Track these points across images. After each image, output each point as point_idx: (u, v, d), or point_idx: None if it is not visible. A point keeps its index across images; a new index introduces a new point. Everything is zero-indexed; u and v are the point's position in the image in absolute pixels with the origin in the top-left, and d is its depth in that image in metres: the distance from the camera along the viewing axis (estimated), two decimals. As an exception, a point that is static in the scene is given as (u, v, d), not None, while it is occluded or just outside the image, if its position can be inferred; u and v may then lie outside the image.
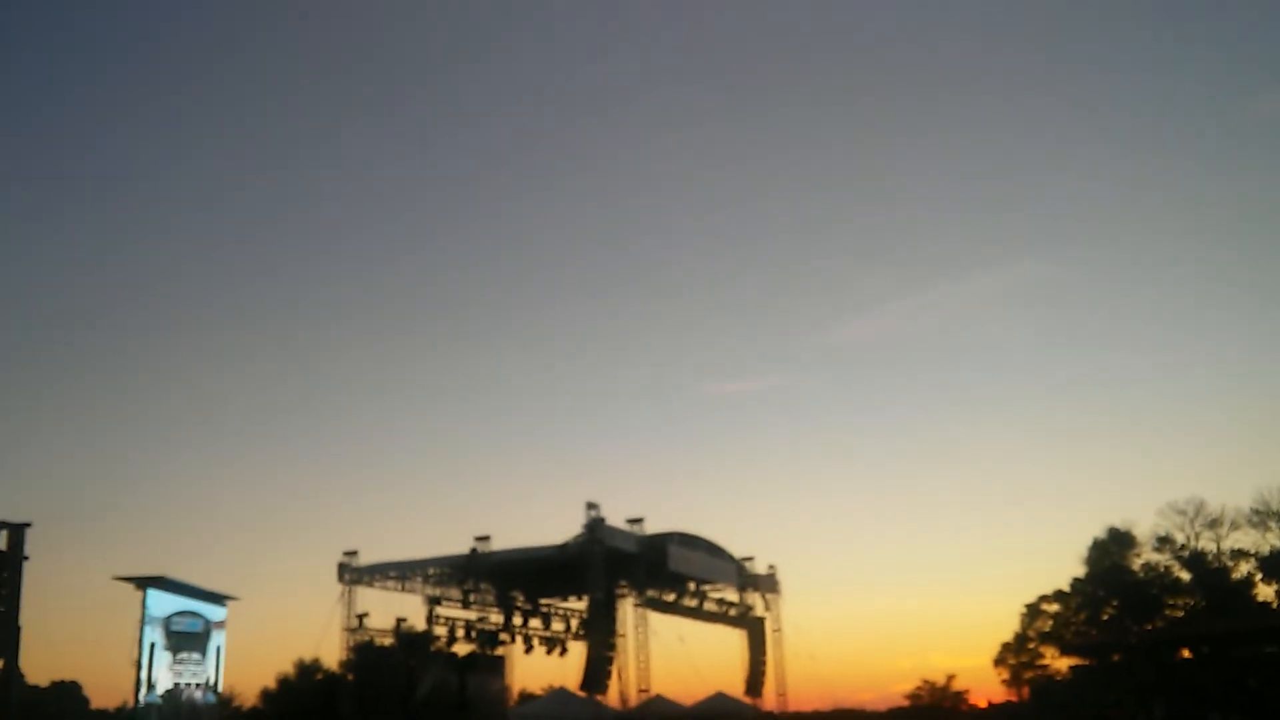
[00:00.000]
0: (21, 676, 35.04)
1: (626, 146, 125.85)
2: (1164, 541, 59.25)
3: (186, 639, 37.24)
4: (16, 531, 24.43)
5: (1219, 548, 58.39)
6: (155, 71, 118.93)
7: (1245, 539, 57.77)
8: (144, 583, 34.95)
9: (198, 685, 38.05)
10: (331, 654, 51.12)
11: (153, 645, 34.87)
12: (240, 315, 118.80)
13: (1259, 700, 42.22)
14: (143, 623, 34.54)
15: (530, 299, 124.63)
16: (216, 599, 39.73)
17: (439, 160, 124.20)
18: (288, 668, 57.88)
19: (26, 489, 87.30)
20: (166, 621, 36.02)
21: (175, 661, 36.45)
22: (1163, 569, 59.52)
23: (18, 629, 24.31)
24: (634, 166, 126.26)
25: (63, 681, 57.51)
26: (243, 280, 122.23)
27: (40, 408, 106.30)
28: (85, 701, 55.74)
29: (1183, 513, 58.74)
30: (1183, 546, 58.89)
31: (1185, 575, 58.80)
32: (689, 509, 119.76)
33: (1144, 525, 60.63)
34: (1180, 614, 58.40)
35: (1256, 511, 57.02)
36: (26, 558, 24.55)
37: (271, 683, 58.26)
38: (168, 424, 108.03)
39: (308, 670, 56.62)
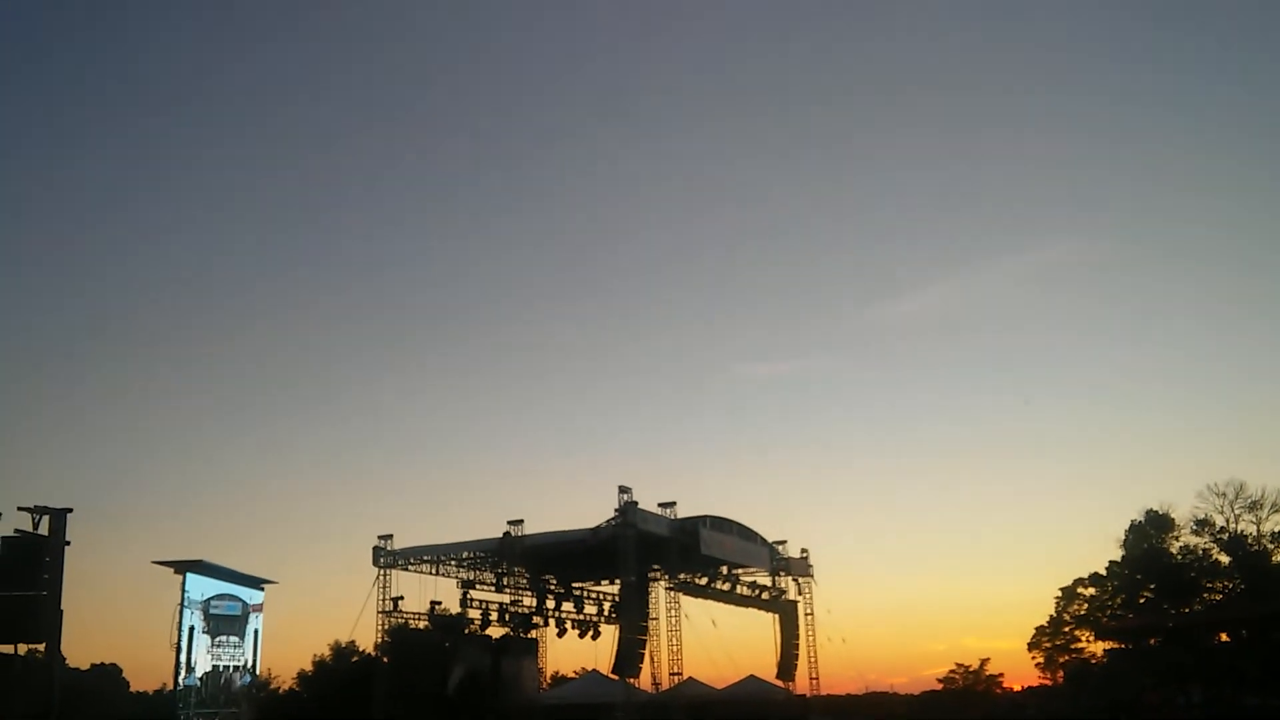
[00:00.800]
0: (63, 660, 35.57)
1: (661, 130, 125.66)
2: (1203, 524, 58.52)
3: (225, 622, 37.65)
4: (58, 517, 24.65)
5: (1259, 530, 57.62)
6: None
7: (1285, 522, 56.97)
8: (183, 567, 35.33)
9: (236, 668, 38.47)
10: (367, 637, 51.67)
11: (192, 629, 35.27)
12: (277, 305, 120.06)
13: (1299, 684, 41.75)
14: (182, 606, 34.92)
15: (563, 285, 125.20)
16: (254, 583, 40.11)
17: (470, 141, 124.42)
18: (324, 650, 58.43)
19: (68, 475, 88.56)
20: (205, 605, 36.43)
21: (214, 644, 36.86)
22: (1201, 552, 58.81)
23: (59, 613, 24.56)
24: (666, 150, 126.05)
25: (103, 665, 58.37)
26: (280, 270, 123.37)
27: (82, 395, 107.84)
28: (125, 684, 56.56)
29: (1222, 495, 58.00)
30: (1222, 529, 58.15)
31: (1224, 558, 58.09)
32: (721, 492, 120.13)
33: (1183, 508, 59.91)
34: (1218, 597, 57.73)
35: (1297, 494, 56.23)
36: (68, 543, 24.77)
37: (308, 665, 58.84)
38: (207, 411, 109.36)
39: (343, 653, 57.12)
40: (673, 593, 52.35)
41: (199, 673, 35.73)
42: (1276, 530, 57.24)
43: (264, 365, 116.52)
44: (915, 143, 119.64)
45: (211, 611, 36.76)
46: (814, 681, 58.13)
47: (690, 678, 52.41)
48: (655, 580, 52.90)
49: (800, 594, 58.56)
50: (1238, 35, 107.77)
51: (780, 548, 56.50)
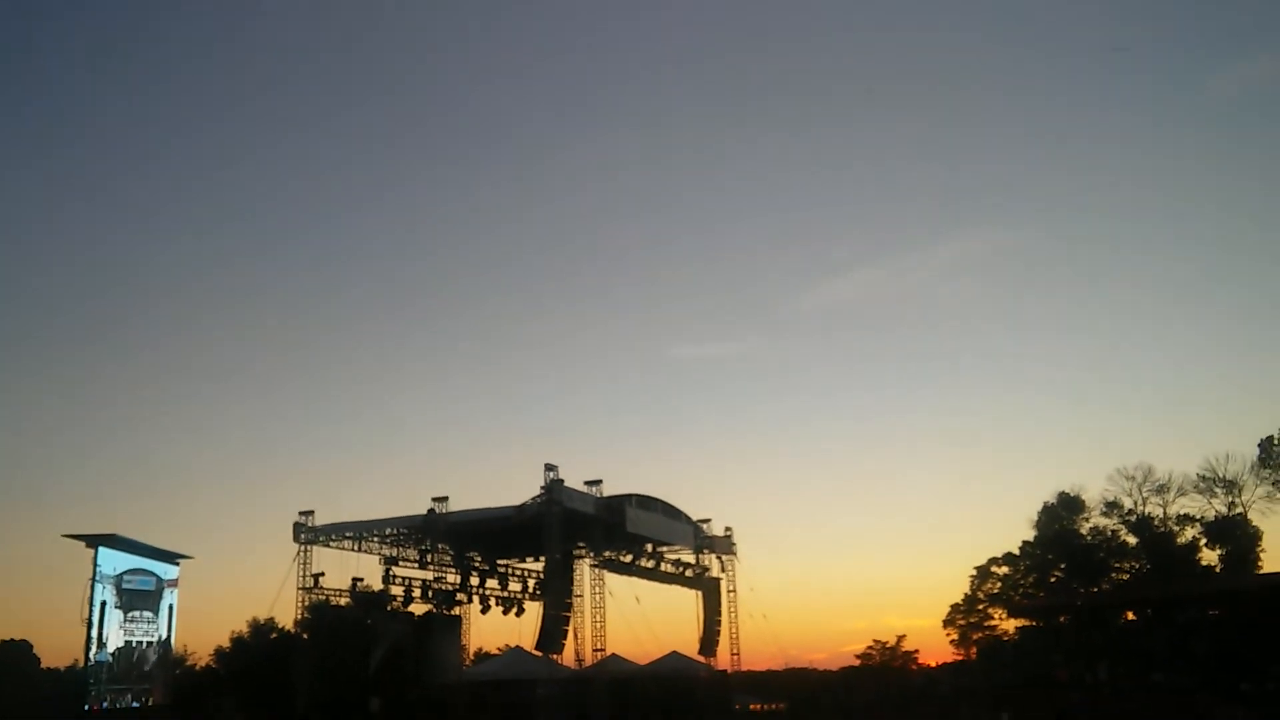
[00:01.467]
0: (-32, 635, 34.60)
1: (600, 122, 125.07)
2: (1112, 506, 60.20)
3: (138, 597, 36.89)
4: (-37, 489, 23.81)
5: (1165, 513, 59.41)
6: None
7: (1191, 505, 58.81)
8: (95, 541, 34.48)
9: (149, 644, 37.70)
10: (287, 614, 50.97)
11: (104, 604, 34.48)
12: (197, 276, 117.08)
13: (1201, 663, 43.18)
14: (94, 581, 34.11)
15: (493, 264, 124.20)
16: (169, 558, 39.33)
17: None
18: (242, 627, 57.46)
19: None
20: (118, 580, 35.61)
21: (127, 620, 36.10)
22: (1110, 533, 60.48)
23: (-35, 587, 23.79)
24: (599, 135, 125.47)
25: (13, 640, 56.61)
26: (197, 240, 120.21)
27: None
28: (36, 660, 54.85)
29: (1131, 478, 59.71)
30: (1130, 511, 59.86)
31: (1132, 539, 59.80)
32: (647, 471, 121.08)
33: (1093, 490, 61.59)
34: (1126, 577, 59.49)
35: (1203, 478, 58.01)
36: (-27, 515, 23.96)
37: (225, 642, 57.83)
38: (119, 381, 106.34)
39: (262, 630, 56.22)
40: (597, 570, 52.52)
41: (111, 649, 34.97)
42: (1182, 513, 59.15)
43: (180, 337, 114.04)
44: (843, 130, 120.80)
45: (124, 586, 35.98)
46: (735, 657, 58.88)
47: (613, 654, 52.69)
48: (580, 558, 53.00)
49: (723, 571, 59.17)
50: (1148, 26, 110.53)
51: (704, 526, 56.95)
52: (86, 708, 33.80)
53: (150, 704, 37.88)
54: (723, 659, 58.48)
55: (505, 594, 54.18)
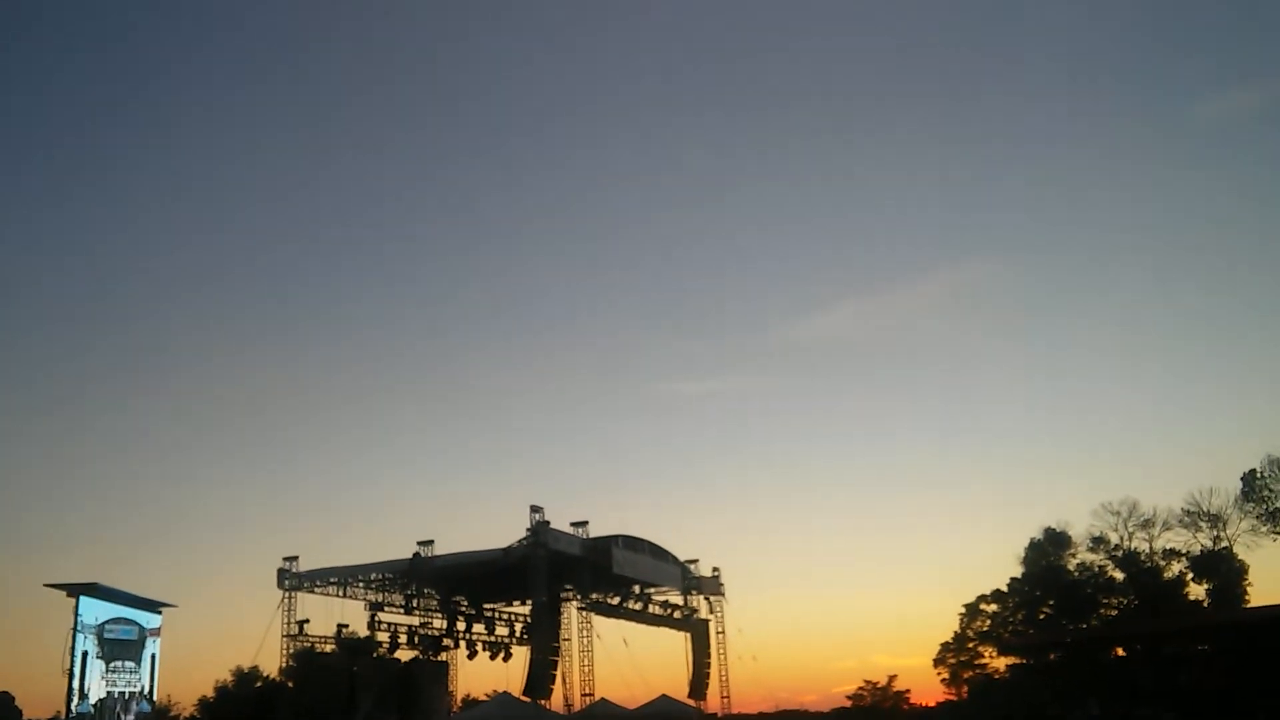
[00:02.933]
0: (-52, 688, 34.23)
1: (586, 151, 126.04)
2: (1098, 542, 60.26)
3: (120, 647, 36.53)
4: (-58, 539, 23.75)
5: (1151, 548, 59.52)
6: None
7: (1177, 539, 58.95)
8: (76, 590, 34.21)
9: (132, 694, 37.31)
10: (271, 661, 50.57)
11: (85, 654, 34.14)
12: (181, 321, 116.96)
13: (1189, 697, 43.15)
14: (75, 631, 33.80)
15: (477, 303, 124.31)
16: (151, 606, 39.01)
17: (390, 163, 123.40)
18: (226, 676, 56.75)
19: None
20: (100, 629, 35.29)
21: (109, 670, 35.72)
22: (1097, 569, 60.50)
23: (-56, 639, 23.64)
24: (589, 171, 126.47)
25: (-7, 692, 55.97)
26: (179, 289, 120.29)
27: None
28: (18, 712, 54.23)
29: (1116, 513, 59.82)
30: (1116, 547, 59.94)
31: (1119, 575, 59.84)
32: (634, 512, 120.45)
33: (1079, 526, 61.65)
34: (1114, 613, 59.41)
35: (1188, 512, 58.21)
36: (-47, 566, 23.89)
37: (209, 691, 57.08)
38: (104, 431, 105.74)
39: (246, 678, 55.55)
40: (585, 612, 52.35)
41: (93, 699, 34.56)
42: (1168, 547, 59.27)
43: (163, 385, 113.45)
44: (829, 163, 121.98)
45: (106, 636, 35.63)
46: (725, 700, 58.58)
47: (602, 698, 52.35)
48: (567, 600, 52.79)
49: (712, 613, 59.02)
50: (1153, 54, 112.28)
51: (692, 566, 56.84)
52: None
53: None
54: (713, 702, 58.26)
55: (492, 638, 53.91)
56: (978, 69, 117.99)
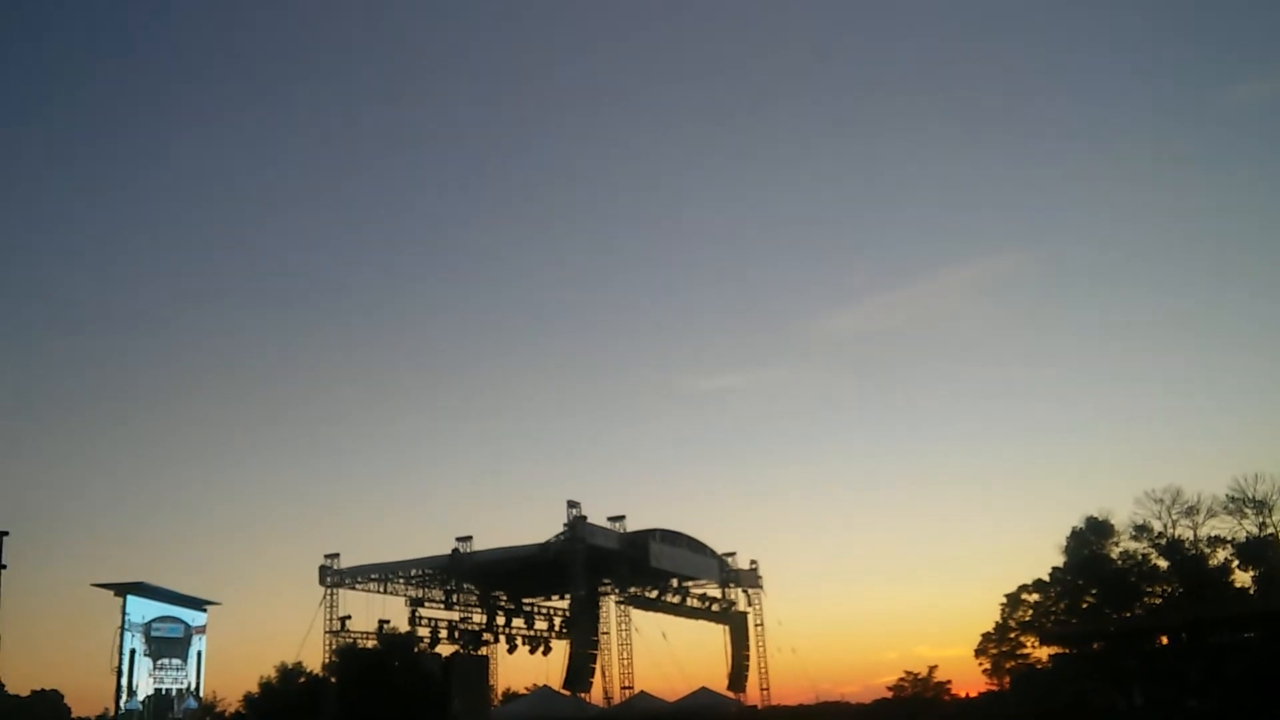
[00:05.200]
0: (1, 686, 34.84)
1: (612, 145, 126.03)
2: (1141, 530, 59.66)
3: (167, 645, 37.12)
4: (-7, 540, 24.28)
5: (1196, 535, 58.87)
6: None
7: (1222, 526, 58.29)
8: (123, 589, 34.78)
9: (179, 691, 37.89)
10: (314, 657, 51.05)
11: (133, 652, 34.72)
12: (220, 323, 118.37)
13: (1236, 686, 42.61)
14: (122, 629, 34.37)
15: (510, 300, 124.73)
16: (197, 604, 39.59)
17: (421, 163, 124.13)
18: (270, 671, 57.46)
19: (4, 497, 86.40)
20: (147, 627, 35.86)
21: (156, 667, 36.31)
22: (1140, 557, 59.91)
23: (-3, 638, 24.15)
24: (617, 165, 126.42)
25: (43, 690, 57.03)
26: (221, 287, 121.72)
27: (19, 415, 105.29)
28: (66, 710, 55.27)
29: (1160, 501, 59.20)
30: (1160, 535, 59.31)
31: (1163, 563, 59.22)
32: (671, 505, 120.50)
33: (1121, 514, 61.06)
34: (1158, 601, 58.82)
35: (1232, 499, 57.53)
36: (4, 566, 24.40)
37: (254, 687, 57.83)
38: (147, 431, 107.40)
39: (290, 674, 56.19)
40: (623, 606, 52.43)
41: (141, 696, 35.15)
42: (1213, 535, 58.57)
43: (205, 386, 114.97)
44: (859, 155, 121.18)
45: (153, 634, 36.22)
46: (765, 692, 58.50)
47: (642, 691, 52.45)
48: (605, 594, 52.91)
49: (750, 605, 58.92)
50: (1180, 41, 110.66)
51: (730, 560, 56.76)
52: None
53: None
54: (752, 694, 58.19)
55: (531, 633, 54.14)
56: (1007, 61, 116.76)
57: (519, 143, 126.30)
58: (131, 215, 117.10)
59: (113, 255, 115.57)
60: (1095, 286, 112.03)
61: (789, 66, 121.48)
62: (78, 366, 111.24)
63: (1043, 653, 64.09)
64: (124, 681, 34.19)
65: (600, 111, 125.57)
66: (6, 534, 24.66)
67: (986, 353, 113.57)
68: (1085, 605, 61.70)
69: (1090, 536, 61.38)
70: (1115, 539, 61.00)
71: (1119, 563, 60.17)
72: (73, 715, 57.18)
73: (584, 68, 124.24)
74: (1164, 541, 59.17)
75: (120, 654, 34.16)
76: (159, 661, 36.47)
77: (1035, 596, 66.99)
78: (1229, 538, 57.99)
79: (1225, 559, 58.05)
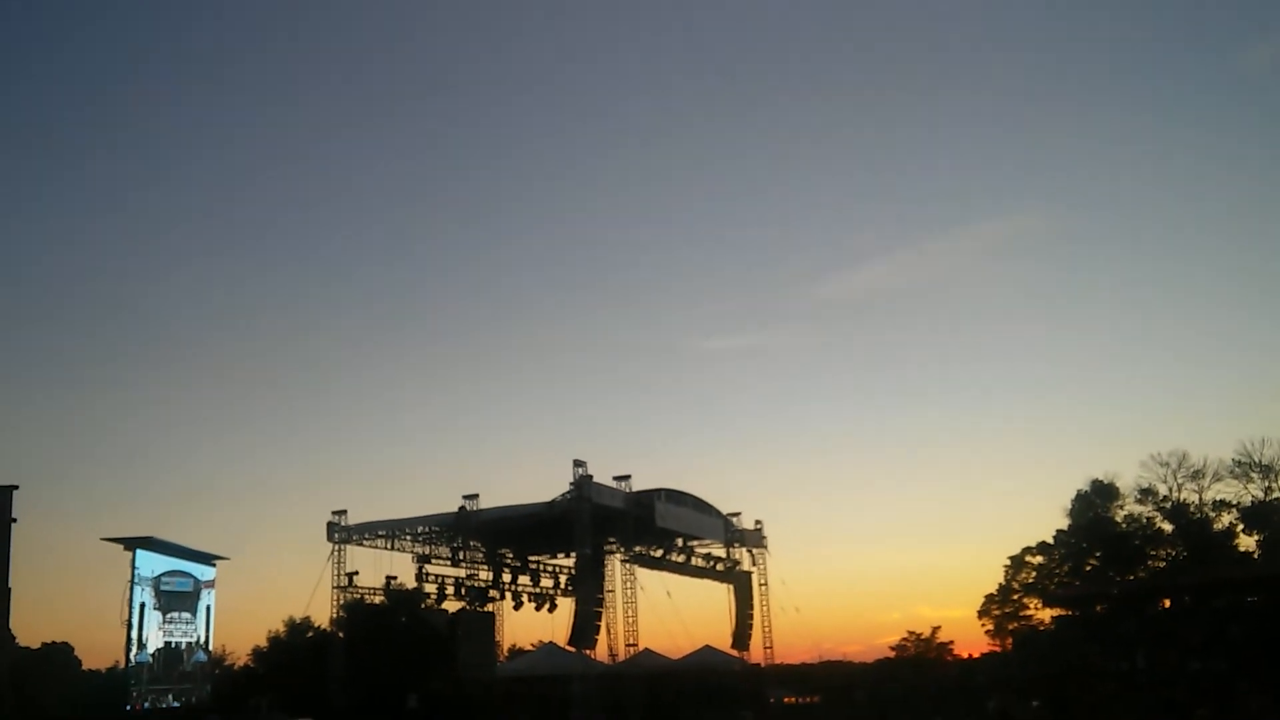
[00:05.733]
0: (12, 638, 35.12)
1: (616, 102, 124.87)
2: (1146, 493, 59.72)
3: (176, 598, 37.41)
4: (4, 494, 24.47)
5: (1201, 499, 58.92)
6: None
7: (1227, 490, 58.29)
8: (133, 543, 34.99)
9: (188, 644, 38.24)
10: (322, 612, 51.62)
11: (143, 605, 35.00)
12: (229, 282, 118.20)
13: (1239, 649, 42.81)
14: (132, 583, 34.62)
15: (519, 260, 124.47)
16: (206, 559, 39.85)
17: (426, 129, 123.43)
18: (278, 626, 58.11)
19: (13, 451, 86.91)
20: (156, 581, 36.13)
21: (165, 621, 36.62)
22: (1145, 520, 60.03)
23: (8, 591, 24.36)
24: (621, 125, 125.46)
25: (53, 643, 57.57)
26: (231, 248, 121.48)
27: (28, 370, 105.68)
28: (77, 662, 55.81)
29: (1165, 464, 59.19)
30: (1165, 498, 59.37)
31: (1167, 526, 59.34)
32: (676, 465, 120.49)
33: (1127, 477, 61.11)
34: (1162, 565, 59.01)
35: (1239, 463, 57.47)
36: (15, 520, 24.58)
37: (262, 641, 58.51)
38: (156, 385, 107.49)
39: (298, 628, 56.86)
40: (628, 565, 52.63)
41: (151, 649, 35.48)
42: (1218, 499, 58.62)
43: (215, 342, 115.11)
44: (867, 112, 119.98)
45: (162, 588, 36.49)
46: (768, 651, 58.98)
47: (646, 648, 52.87)
48: (611, 553, 53.21)
49: (754, 565, 59.25)
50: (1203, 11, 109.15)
51: (735, 519, 56.98)
52: (129, 708, 34.33)
53: (191, 703, 38.41)
54: (756, 653, 58.68)
55: (537, 590, 54.49)
56: (1019, 18, 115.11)
57: (523, 101, 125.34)
58: (145, 189, 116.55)
59: (131, 214, 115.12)
60: (1105, 248, 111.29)
61: (797, 21, 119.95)
62: (89, 322, 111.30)
63: (1045, 615, 64.44)
64: (134, 635, 34.48)
65: (600, 67, 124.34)
66: (17, 488, 24.80)
67: (994, 315, 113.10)
68: (1089, 568, 61.94)
69: (1095, 499, 61.49)
70: (1120, 502, 61.13)
71: (1123, 526, 60.31)
72: (83, 667, 57.84)
73: (589, 28, 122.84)
74: (1169, 505, 59.27)
75: (130, 607, 34.44)
76: (168, 615, 36.77)
77: (1039, 559, 67.27)
78: (1234, 502, 58.11)
79: (1230, 523, 58.20)
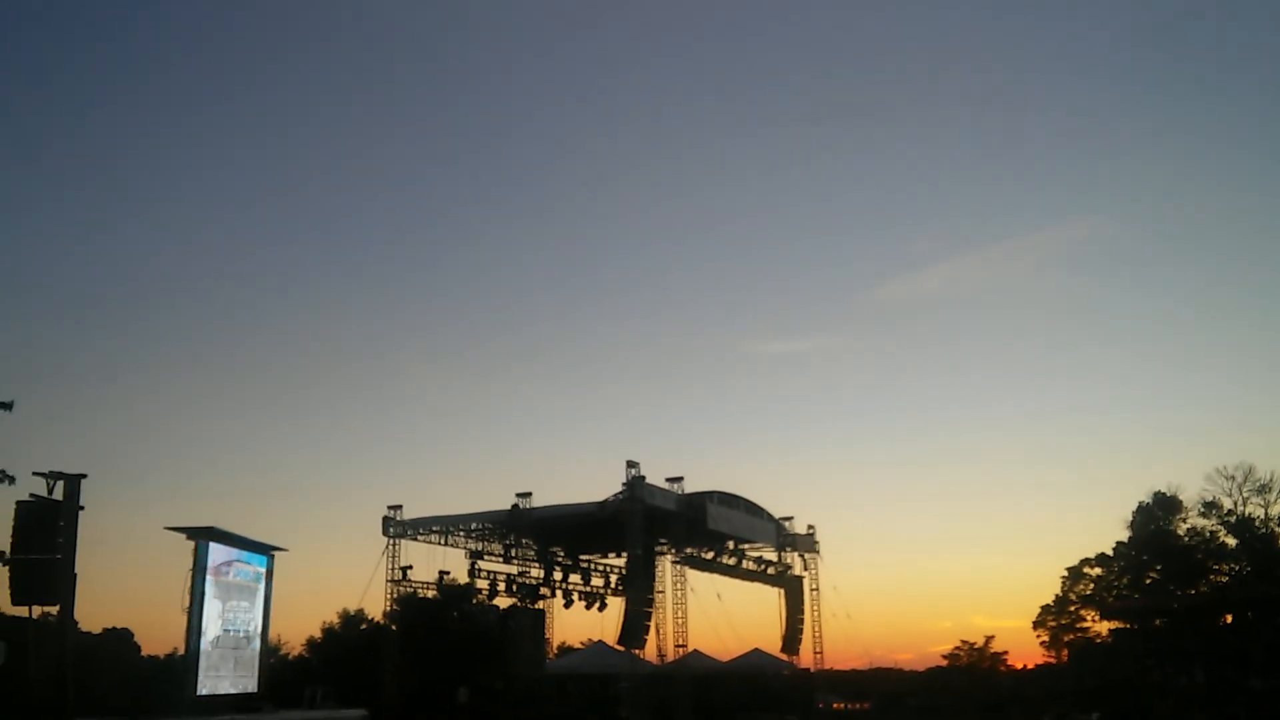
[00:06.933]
0: (75, 624, 35.98)
1: (670, 107, 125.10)
2: (1210, 507, 58.54)
3: (235, 588, 38.06)
4: (72, 482, 25.04)
5: (1267, 513, 57.61)
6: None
7: (1294, 504, 56.98)
8: (196, 533, 35.66)
9: (245, 633, 38.92)
10: (376, 605, 52.24)
11: (203, 594, 35.65)
12: (294, 276, 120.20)
13: (1302, 667, 41.87)
14: (194, 572, 35.29)
15: (574, 260, 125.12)
16: (265, 550, 40.49)
17: (492, 106, 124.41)
18: (333, 618, 59.04)
19: (83, 441, 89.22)
20: (216, 571, 36.78)
21: (225, 610, 37.26)
22: (1208, 534, 58.91)
23: (73, 577, 24.97)
24: (675, 127, 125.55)
25: (114, 628, 58.96)
26: (297, 244, 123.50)
27: (98, 362, 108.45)
28: (136, 648, 57.09)
29: (1230, 478, 57.95)
30: (1230, 512, 58.16)
31: (1231, 541, 58.14)
32: (729, 468, 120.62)
33: (1191, 490, 60.00)
34: (1225, 579, 57.84)
35: (1307, 477, 56.17)
36: (82, 507, 25.17)
37: (317, 632, 59.49)
38: (220, 379, 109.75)
39: (352, 620, 57.73)
40: (679, 566, 52.74)
41: (209, 637, 36.13)
42: (1285, 514, 57.23)
43: (278, 339, 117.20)
44: (928, 119, 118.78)
45: (222, 577, 37.15)
46: (818, 656, 58.64)
47: (695, 650, 52.88)
48: (662, 554, 53.27)
49: (806, 569, 58.95)
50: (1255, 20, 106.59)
51: (786, 524, 56.74)
52: (188, 695, 35.04)
53: (246, 691, 39.07)
54: (806, 657, 58.36)
55: (587, 589, 54.70)
56: (1083, 26, 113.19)
57: (583, 95, 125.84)
58: (213, 167, 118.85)
59: (191, 209, 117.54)
60: (1168, 255, 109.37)
61: (858, 25, 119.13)
62: (152, 316, 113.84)
63: (1103, 627, 63.54)
64: (195, 622, 35.17)
65: (651, 78, 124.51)
66: (85, 477, 25.40)
67: (1054, 322, 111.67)
68: (1149, 581, 60.88)
69: (1157, 512, 60.46)
70: (1183, 515, 60.06)
71: (1186, 539, 59.21)
72: (142, 653, 59.14)
73: (633, 26, 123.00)
74: (1233, 519, 58.04)
75: (192, 596, 35.12)
76: (227, 604, 37.40)
77: (1097, 570, 66.29)
78: (1302, 517, 56.74)
79: (1296, 538, 56.82)
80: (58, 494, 24.77)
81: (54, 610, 25.63)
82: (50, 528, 24.33)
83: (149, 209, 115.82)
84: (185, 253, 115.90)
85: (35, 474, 24.57)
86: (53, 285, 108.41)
